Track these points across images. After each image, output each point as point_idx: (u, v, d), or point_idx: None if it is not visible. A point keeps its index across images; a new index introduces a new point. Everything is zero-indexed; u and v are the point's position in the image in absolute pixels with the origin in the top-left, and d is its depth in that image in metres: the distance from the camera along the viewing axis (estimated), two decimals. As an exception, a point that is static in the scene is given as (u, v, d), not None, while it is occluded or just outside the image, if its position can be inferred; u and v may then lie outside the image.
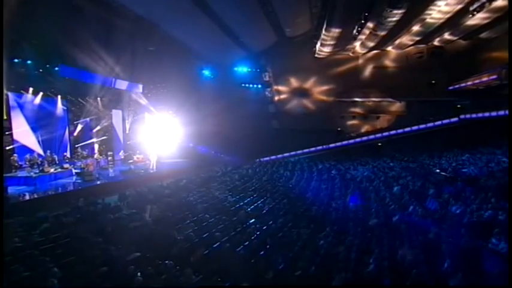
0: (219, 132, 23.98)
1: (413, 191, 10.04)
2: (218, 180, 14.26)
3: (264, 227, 7.04)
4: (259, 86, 27.21)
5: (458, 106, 23.78)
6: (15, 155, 13.52)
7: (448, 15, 16.72)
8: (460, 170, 13.05)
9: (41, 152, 14.82)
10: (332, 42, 21.71)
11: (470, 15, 15.78)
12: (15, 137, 13.99)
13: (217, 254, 5.46)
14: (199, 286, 4.70)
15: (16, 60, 13.48)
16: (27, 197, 10.84)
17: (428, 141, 23.29)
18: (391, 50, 25.50)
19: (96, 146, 18.15)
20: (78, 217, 8.20)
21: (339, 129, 26.80)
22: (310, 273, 4.62)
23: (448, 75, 24.21)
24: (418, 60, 25.21)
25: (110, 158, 18.14)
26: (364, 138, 25.35)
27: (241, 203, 9.58)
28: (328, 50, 23.93)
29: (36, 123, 14.98)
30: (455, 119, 22.99)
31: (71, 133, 17.27)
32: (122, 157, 19.13)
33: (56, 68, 14.63)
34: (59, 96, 15.97)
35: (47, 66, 14.46)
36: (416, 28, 19.40)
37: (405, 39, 22.07)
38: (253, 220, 7.67)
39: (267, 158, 23.60)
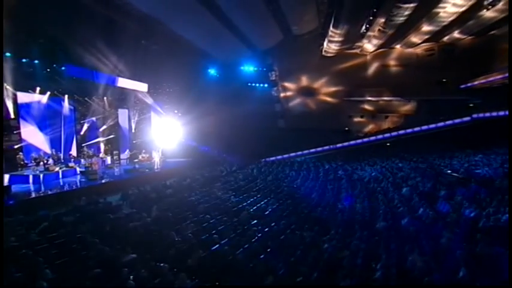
0: (225, 131, 23.81)
1: (423, 192, 9.61)
2: (222, 180, 14.06)
3: (266, 229, 6.77)
4: (266, 85, 26.96)
5: (471, 105, 23.03)
6: (20, 153, 13.60)
7: (462, 9, 15.98)
8: (473, 171, 12.50)
9: (48, 150, 14.93)
10: (340, 40, 21.27)
11: (485, 10, 15.10)
12: (23, 135, 14.14)
13: (215, 256, 5.22)
14: (199, 286, 4.52)
15: (24, 60, 13.58)
16: (29, 196, 10.82)
17: (439, 141, 22.62)
18: (400, 48, 24.90)
19: (102, 145, 18.22)
20: (78, 216, 8.09)
21: (346, 128, 26.36)
22: (312, 279, 4.34)
23: (459, 74, 23.46)
24: (428, 58, 24.54)
25: (115, 157, 18.21)
26: (372, 138, 24.81)
27: (244, 204, 9.34)
28: (335, 48, 23.49)
29: (44, 122, 15.18)
30: (467, 119, 22.25)
31: (77, 132, 17.42)
32: (128, 156, 19.15)
33: (63, 68, 14.70)
34: (66, 96, 16.09)
35: (54, 66, 14.53)
36: (427, 25, 18.79)
37: (415, 36, 21.48)
38: (255, 221, 7.41)
39: (273, 158, 23.31)
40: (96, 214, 8.16)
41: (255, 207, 8.94)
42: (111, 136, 18.81)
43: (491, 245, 4.95)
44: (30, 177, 12.57)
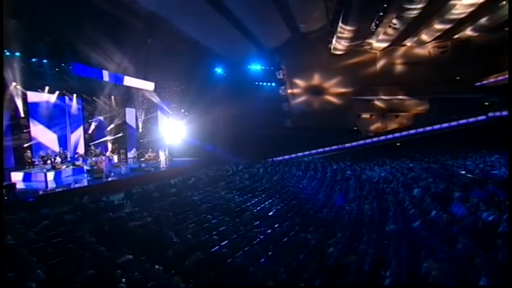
0: (231, 130, 23.66)
1: (435, 194, 9.13)
2: (227, 179, 13.86)
3: (269, 231, 6.49)
4: (273, 83, 26.63)
5: (486, 103, 22.16)
6: (28, 151, 13.70)
7: (479, 0, 15.24)
8: (489, 171, 11.92)
9: (56, 149, 15.05)
10: (348, 38, 20.77)
11: (504, 2, 14.32)
12: (32, 134, 14.28)
13: (213, 259, 4.97)
14: (199, 286, 4.33)
15: (33, 60, 13.68)
16: (34, 193, 10.83)
17: (452, 141, 21.86)
18: (412, 45, 24.18)
19: (109, 144, 18.29)
20: (79, 215, 7.98)
21: (355, 128, 25.80)
22: (315, 286, 4.03)
23: (474, 71, 22.61)
24: (440, 55, 23.75)
25: (122, 156, 18.24)
26: (382, 137, 24.19)
27: (248, 204, 9.08)
28: (344, 46, 22.98)
29: (52, 121, 15.31)
30: (482, 117, 21.40)
31: (85, 131, 17.49)
32: (134, 155, 19.18)
33: (71, 67, 14.77)
34: (75, 95, 16.17)
35: (62, 65, 14.61)
36: (439, 21, 18.12)
37: (427, 33, 20.78)
38: (257, 222, 7.13)
39: (280, 158, 22.99)
40: (97, 213, 8.05)
41: (258, 208, 8.67)
42: (119, 135, 18.85)
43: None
44: (37, 175, 12.62)
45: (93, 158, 15.40)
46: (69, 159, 15.14)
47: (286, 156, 23.41)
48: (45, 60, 13.92)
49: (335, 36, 21.10)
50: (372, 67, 25.55)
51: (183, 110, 22.06)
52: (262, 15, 18.80)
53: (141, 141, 20.59)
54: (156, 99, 20.29)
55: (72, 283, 4.31)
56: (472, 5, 15.59)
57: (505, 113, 20.03)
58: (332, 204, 8.89)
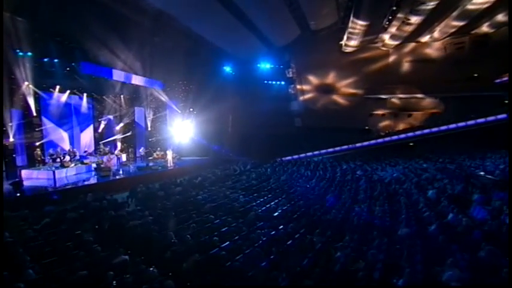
0: (240, 129, 23.43)
1: (452, 195, 8.58)
2: (233, 179, 13.62)
3: (273, 232, 6.15)
4: (282, 82, 26.25)
5: (506, 101, 21.08)
6: (38, 149, 13.84)
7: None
8: None
9: (65, 147, 15.22)
10: (360, 35, 20.24)
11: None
12: (44, 133, 14.52)
13: (212, 261, 4.69)
14: (199, 285, 4.17)
15: (45, 60, 13.82)
16: (40, 191, 10.87)
17: (468, 140, 20.92)
18: (426, 41, 23.32)
19: (118, 143, 18.38)
20: (81, 213, 7.87)
21: (366, 127, 25.14)
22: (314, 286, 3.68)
23: (494, 68, 21.53)
24: (457, 51, 22.74)
25: (131, 155, 18.30)
26: (394, 137, 23.42)
27: (253, 204, 8.78)
28: (355, 44, 22.42)
29: (63, 120, 15.56)
30: (503, 116, 20.32)
31: (95, 130, 17.63)
32: (143, 153, 19.21)
33: (80, 66, 14.88)
34: (85, 94, 16.33)
35: (72, 64, 14.74)
36: (456, 15, 17.30)
37: (443, 28, 19.93)
38: (261, 223, 6.81)
39: (289, 158, 22.60)
40: (99, 211, 7.92)
41: (263, 208, 8.36)
42: (128, 134, 18.93)
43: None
44: (46, 173, 12.71)
45: (100, 157, 15.44)
46: (78, 157, 15.24)
47: (295, 156, 23.01)
48: (56, 60, 14.09)
49: (346, 33, 20.59)
50: (384, 65, 24.82)
51: (191, 109, 21.97)
52: (272, 12, 18.47)
53: (149, 140, 20.63)
54: (164, 98, 20.27)
55: (63, 284, 4.11)
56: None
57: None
58: (341, 205, 8.48)
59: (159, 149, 19.07)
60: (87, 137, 17.17)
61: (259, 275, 4.19)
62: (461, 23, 18.66)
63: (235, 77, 24.74)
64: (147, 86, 18.75)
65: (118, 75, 16.50)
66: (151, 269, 4.34)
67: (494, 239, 4.98)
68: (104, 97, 17.45)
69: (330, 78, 25.84)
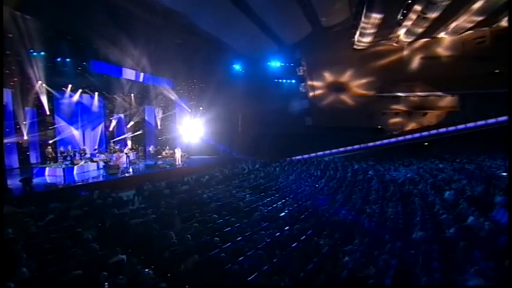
0: (250, 128, 23.17)
1: (472, 197, 8.04)
2: (241, 178, 13.41)
3: (277, 233, 5.84)
4: (293, 80, 25.84)
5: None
6: (49, 147, 14.03)
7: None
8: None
9: (77, 145, 15.48)
10: (373, 31, 19.57)
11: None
12: (56, 131, 14.79)
13: (211, 263, 4.44)
14: (196, 285, 4.03)
15: (58, 59, 14.03)
16: (48, 187, 10.95)
17: (489, 140, 19.92)
18: (443, 36, 22.36)
19: (129, 141, 18.48)
20: (85, 210, 7.80)
21: (379, 127, 24.45)
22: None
23: (518, 62, 20.44)
24: (477, 46, 21.63)
25: (141, 153, 18.36)
26: (408, 136, 22.62)
27: (259, 203, 8.50)
28: (368, 40, 21.73)
29: (74, 118, 15.81)
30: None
31: (106, 128, 17.79)
32: (152, 152, 19.24)
33: (91, 65, 15.01)
34: (96, 93, 16.50)
35: (84, 63, 14.87)
36: (479, 5, 16.30)
37: (463, 21, 18.90)
38: (266, 224, 6.52)
39: (299, 157, 22.22)
40: (103, 209, 7.82)
41: (269, 208, 8.06)
42: (138, 132, 19.03)
43: None
44: (56, 170, 12.84)
45: (110, 155, 15.50)
46: (88, 155, 15.38)
47: (306, 156, 22.61)
48: (68, 59, 14.26)
49: (358, 30, 19.95)
50: (398, 62, 24.01)
51: (201, 108, 21.87)
52: (282, 9, 18.15)
53: (159, 138, 20.67)
54: (174, 96, 20.24)
55: (56, 283, 3.95)
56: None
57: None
58: (351, 205, 8.08)
59: (168, 147, 19.06)
60: (97, 135, 17.34)
61: (260, 280, 3.91)
62: (480, 17, 17.74)
63: (244, 75, 24.48)
64: (156, 84, 18.75)
65: (127, 73, 16.58)
66: (146, 270, 4.13)
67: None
68: (115, 96, 17.59)
69: (342, 76, 25.26)
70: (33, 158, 14.24)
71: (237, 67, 24.54)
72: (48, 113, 14.33)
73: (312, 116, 25.72)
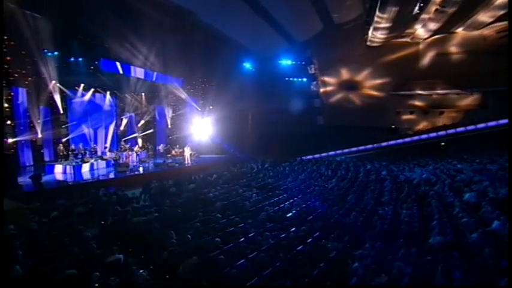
0: (260, 127, 22.89)
1: (495, 199, 7.45)
2: (249, 177, 13.15)
3: (282, 235, 5.53)
4: (304, 79, 25.41)
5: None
6: (60, 145, 14.22)
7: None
8: None
9: (88, 143, 15.68)
10: (387, 26, 18.88)
11: None
12: (69, 129, 15.00)
13: (209, 265, 4.18)
14: (196, 285, 3.84)
15: (71, 59, 14.29)
16: (56, 184, 11.05)
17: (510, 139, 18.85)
18: (462, 31, 21.38)
19: (139, 140, 18.59)
20: (90, 207, 7.74)
21: (393, 126, 23.66)
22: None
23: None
24: (499, 41, 20.52)
25: (151, 152, 18.44)
26: (424, 136, 21.74)
27: (266, 203, 8.21)
28: (382, 37, 21.04)
29: (86, 117, 16.01)
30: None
31: (117, 126, 17.95)
32: (162, 150, 19.29)
33: (102, 65, 15.15)
34: (108, 92, 16.68)
35: (96, 63, 15.04)
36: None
37: (484, 14, 17.96)
38: (271, 225, 6.21)
39: (310, 156, 21.76)
40: (107, 206, 7.72)
41: (276, 208, 7.75)
42: (149, 131, 19.13)
43: None
44: (67, 167, 12.98)
45: (120, 153, 15.59)
46: (98, 153, 15.52)
47: (317, 155, 22.12)
48: (80, 59, 14.47)
49: (372, 26, 19.33)
50: (413, 59, 23.23)
51: (211, 107, 21.78)
52: (293, 5, 17.82)
53: (170, 137, 20.72)
54: (184, 95, 20.22)
55: (49, 283, 3.80)
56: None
57: None
58: (363, 206, 7.66)
59: (177, 146, 19.05)
60: (109, 133, 17.52)
61: (261, 283, 3.62)
62: (502, 11, 16.80)
63: (255, 74, 24.23)
64: (166, 83, 18.78)
65: (138, 72, 16.67)
66: (141, 271, 3.92)
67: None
68: (126, 95, 17.72)
69: (355, 74, 24.64)
70: (46, 156, 14.49)
71: (247, 65, 24.31)
72: (61, 111, 14.61)
73: (324, 114, 25.20)
